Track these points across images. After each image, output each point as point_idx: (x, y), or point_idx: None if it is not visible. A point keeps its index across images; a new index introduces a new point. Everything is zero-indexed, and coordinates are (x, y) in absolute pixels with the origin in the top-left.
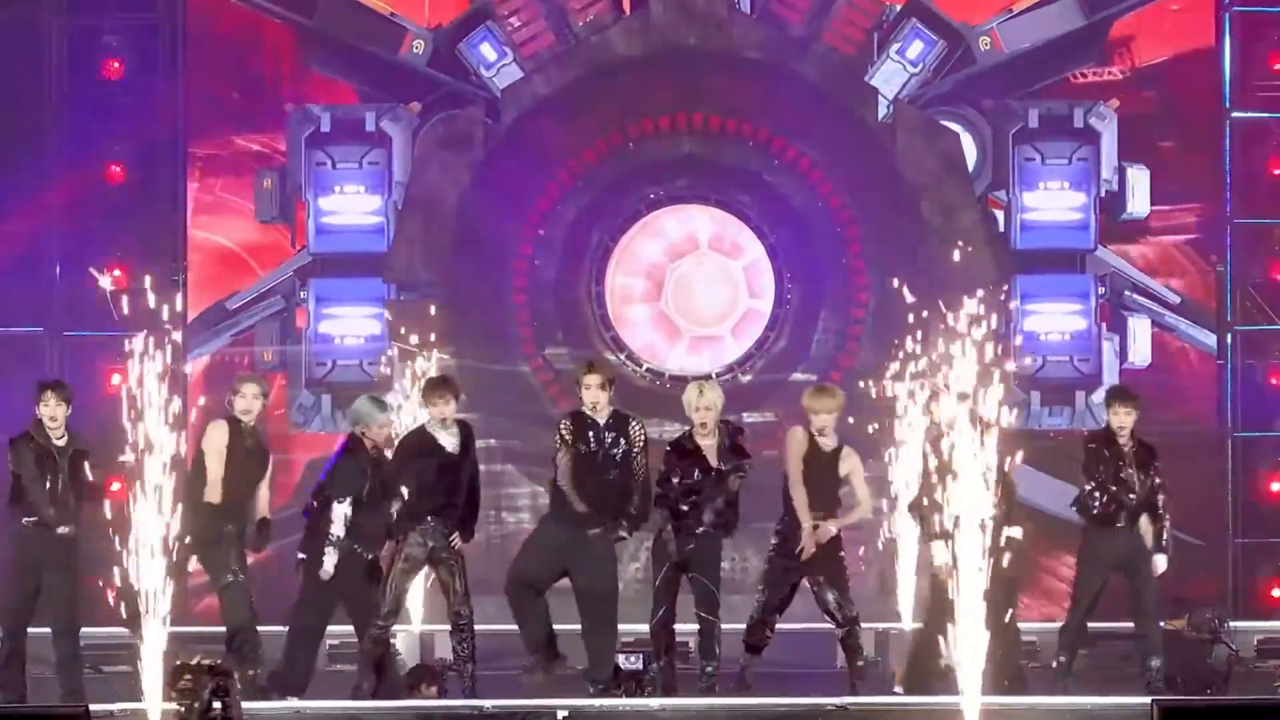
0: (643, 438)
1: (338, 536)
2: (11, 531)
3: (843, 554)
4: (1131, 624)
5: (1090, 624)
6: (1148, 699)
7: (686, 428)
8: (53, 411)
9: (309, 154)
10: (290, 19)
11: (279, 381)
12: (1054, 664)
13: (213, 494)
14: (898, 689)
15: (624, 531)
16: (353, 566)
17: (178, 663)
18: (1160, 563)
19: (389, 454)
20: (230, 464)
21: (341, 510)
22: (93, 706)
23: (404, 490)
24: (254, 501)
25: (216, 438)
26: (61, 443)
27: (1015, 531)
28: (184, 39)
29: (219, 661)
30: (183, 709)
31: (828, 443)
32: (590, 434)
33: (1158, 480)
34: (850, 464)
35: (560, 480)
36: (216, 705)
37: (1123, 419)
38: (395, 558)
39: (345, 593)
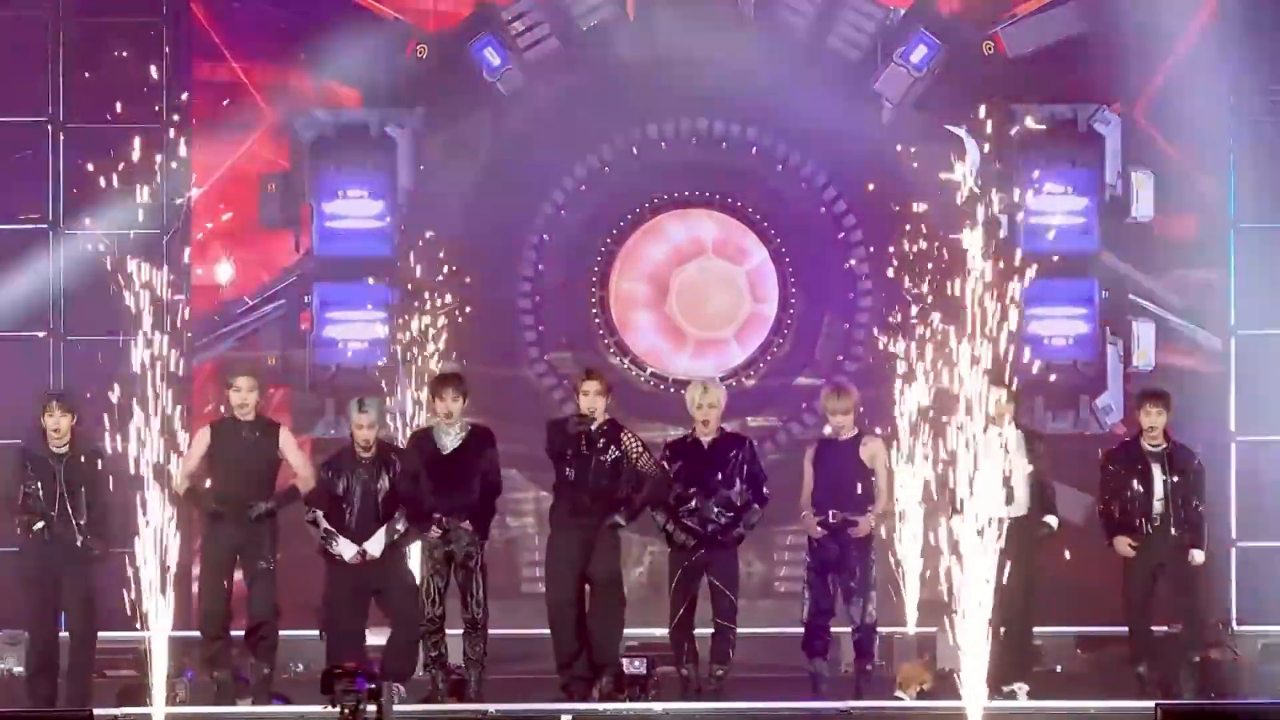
0: (639, 446)
1: (322, 534)
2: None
3: (873, 558)
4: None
5: (1092, 628)
6: (1150, 703)
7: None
8: (56, 423)
9: (313, 159)
10: (296, 23)
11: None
12: (1056, 669)
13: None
14: (900, 693)
15: (620, 519)
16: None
17: (330, 668)
18: (1197, 557)
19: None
20: (227, 462)
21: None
22: (97, 711)
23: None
24: (269, 487)
25: (194, 446)
26: (61, 450)
27: (1052, 520)
28: (188, 37)
29: (368, 666)
30: (346, 711)
31: (843, 433)
32: (582, 439)
33: (1191, 482)
34: (870, 449)
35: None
36: (370, 708)
37: (1154, 419)
38: (422, 557)
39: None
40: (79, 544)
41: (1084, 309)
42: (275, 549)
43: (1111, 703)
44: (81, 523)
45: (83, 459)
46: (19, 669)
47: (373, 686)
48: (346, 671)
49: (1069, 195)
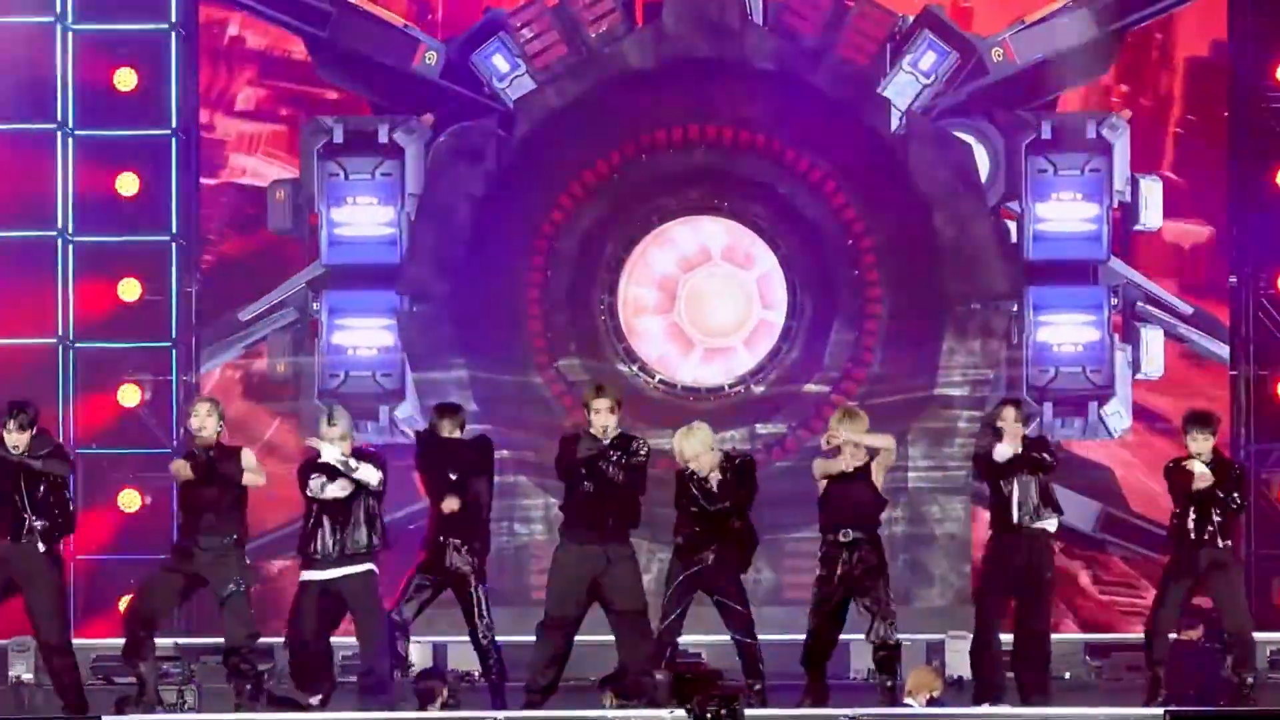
0: (644, 454)
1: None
2: None
3: (886, 578)
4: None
5: (1098, 634)
6: (1160, 710)
7: None
8: (14, 440)
9: (321, 165)
10: (304, 31)
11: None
12: (1066, 675)
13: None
14: (909, 700)
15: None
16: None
17: (681, 673)
18: (1196, 466)
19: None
20: (192, 490)
21: (319, 483)
22: (104, 718)
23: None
24: (235, 514)
25: (178, 475)
26: (16, 454)
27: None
28: (196, 47)
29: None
30: (709, 718)
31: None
32: (596, 459)
33: (1236, 497)
34: (876, 468)
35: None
36: (724, 711)
37: (1200, 444)
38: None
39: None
40: (41, 549)
41: (1092, 316)
42: (245, 571)
43: (1120, 710)
44: (44, 525)
45: (42, 458)
46: (28, 676)
47: (727, 694)
48: (701, 677)
49: (1078, 202)
